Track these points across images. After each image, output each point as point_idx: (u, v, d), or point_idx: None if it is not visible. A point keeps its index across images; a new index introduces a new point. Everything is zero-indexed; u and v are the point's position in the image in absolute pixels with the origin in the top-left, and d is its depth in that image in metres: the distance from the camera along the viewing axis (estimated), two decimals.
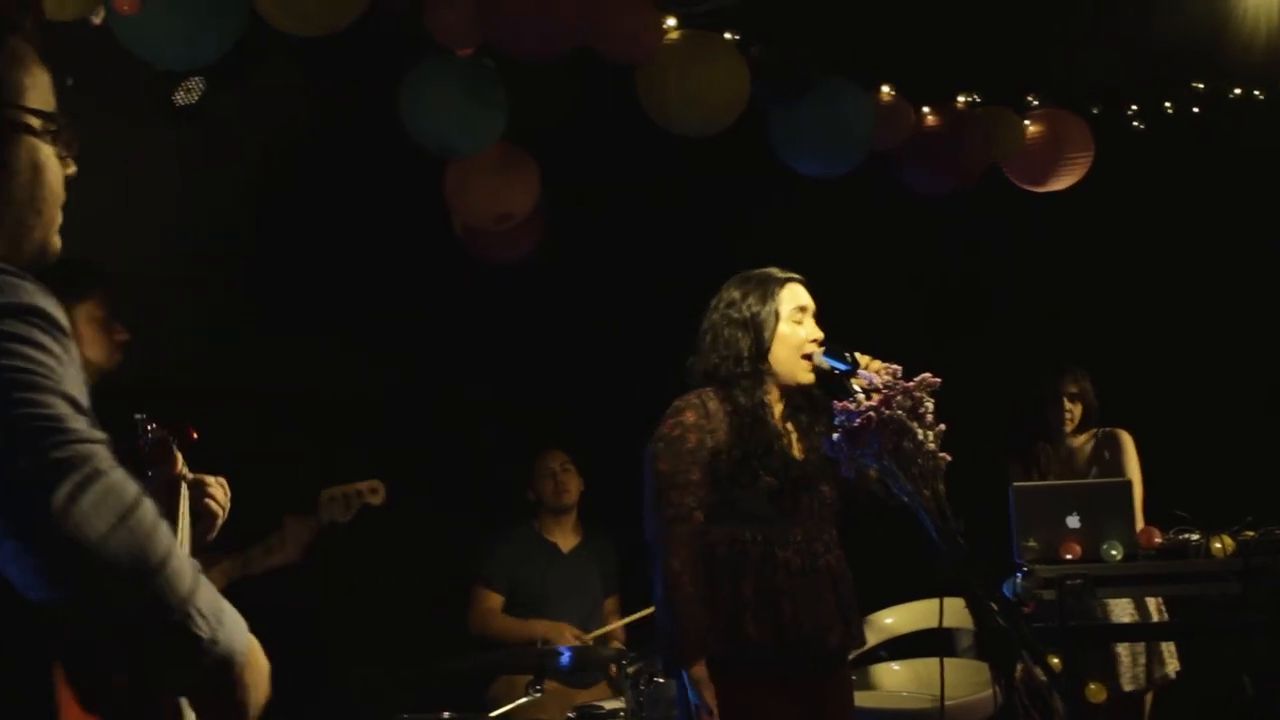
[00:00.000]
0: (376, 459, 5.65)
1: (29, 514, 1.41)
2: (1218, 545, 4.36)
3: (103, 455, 1.47)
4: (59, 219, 1.74)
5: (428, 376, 6.04)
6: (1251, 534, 4.36)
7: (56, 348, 1.49)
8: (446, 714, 4.62)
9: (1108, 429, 5.65)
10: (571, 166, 5.43)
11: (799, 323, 3.44)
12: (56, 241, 1.74)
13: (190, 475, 2.34)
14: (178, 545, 1.53)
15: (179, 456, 2.38)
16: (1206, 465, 5.66)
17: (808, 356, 3.38)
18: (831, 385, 3.27)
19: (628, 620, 5.41)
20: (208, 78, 4.58)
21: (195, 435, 2.59)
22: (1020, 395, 5.81)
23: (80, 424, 1.47)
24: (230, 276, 5.39)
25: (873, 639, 4.79)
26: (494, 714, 4.74)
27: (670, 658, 3.29)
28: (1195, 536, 4.43)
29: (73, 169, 1.76)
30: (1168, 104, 6.02)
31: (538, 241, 5.62)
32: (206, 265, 5.18)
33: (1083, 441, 5.68)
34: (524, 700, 4.79)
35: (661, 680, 4.48)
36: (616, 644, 5.55)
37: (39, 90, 1.71)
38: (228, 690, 1.65)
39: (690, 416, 3.36)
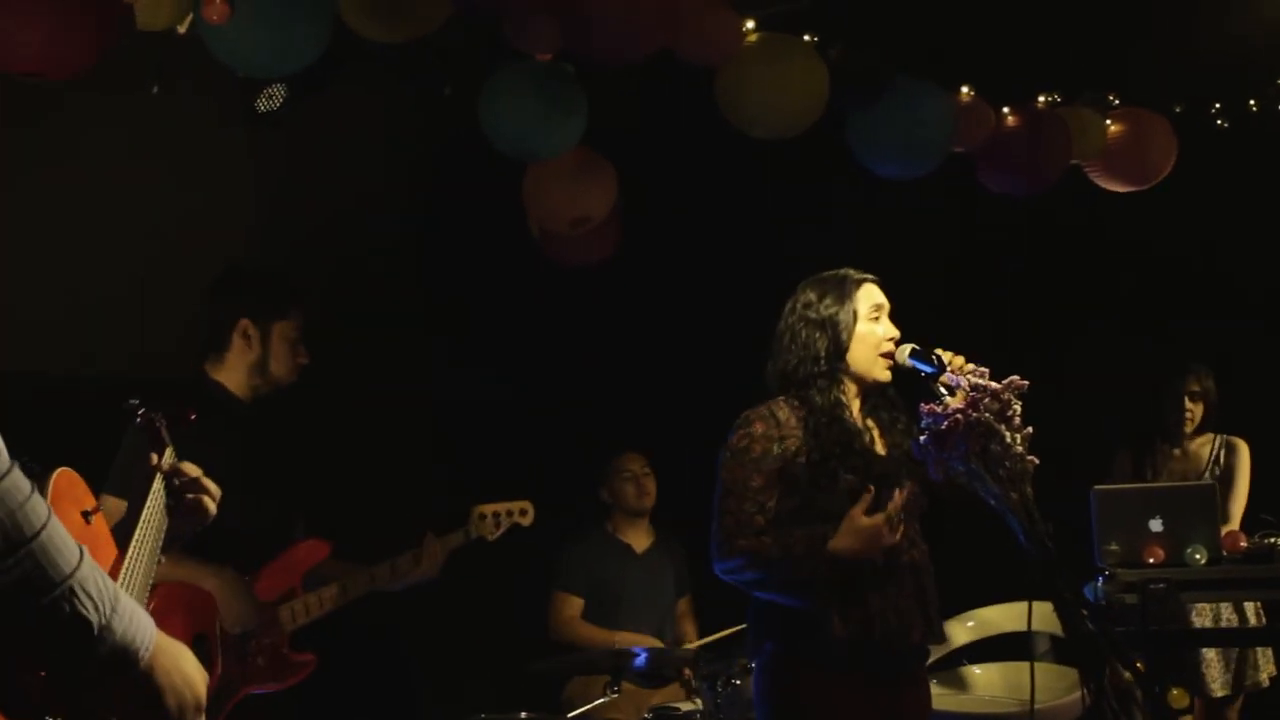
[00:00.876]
0: (451, 465, 5.75)
1: None
2: None
3: None
4: None
5: (499, 379, 6.09)
6: None
7: None
8: (524, 714, 4.64)
9: (1228, 436, 5.61)
10: (650, 170, 5.45)
11: (876, 320, 3.44)
12: None
13: (170, 467, 2.37)
14: (60, 527, 1.56)
15: (166, 442, 2.44)
16: None
17: (888, 355, 3.38)
18: (918, 387, 3.26)
19: (709, 639, 5.40)
20: (289, 83, 4.64)
21: (194, 417, 2.66)
22: (1131, 392, 5.76)
23: None
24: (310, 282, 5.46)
25: (960, 639, 4.76)
26: (571, 715, 4.77)
27: (806, 583, 3.25)
28: None
29: None
30: (1252, 102, 5.93)
31: (614, 245, 5.64)
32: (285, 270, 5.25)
33: (1200, 444, 5.63)
34: (601, 701, 4.82)
35: (739, 682, 4.50)
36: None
37: None
38: (138, 688, 1.67)
39: (759, 428, 3.38)
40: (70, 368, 4.55)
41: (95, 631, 1.58)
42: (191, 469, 2.43)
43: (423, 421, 5.86)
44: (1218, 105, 5.93)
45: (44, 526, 1.53)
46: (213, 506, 2.41)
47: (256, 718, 3.74)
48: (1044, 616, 4.48)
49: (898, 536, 3.24)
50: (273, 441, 3.99)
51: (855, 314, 3.43)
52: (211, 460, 2.59)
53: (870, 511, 3.22)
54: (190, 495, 2.39)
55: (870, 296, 3.48)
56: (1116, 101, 5.71)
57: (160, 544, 2.27)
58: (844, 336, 3.42)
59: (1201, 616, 5.25)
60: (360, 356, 5.51)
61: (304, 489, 4.09)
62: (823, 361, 3.41)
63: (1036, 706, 4.53)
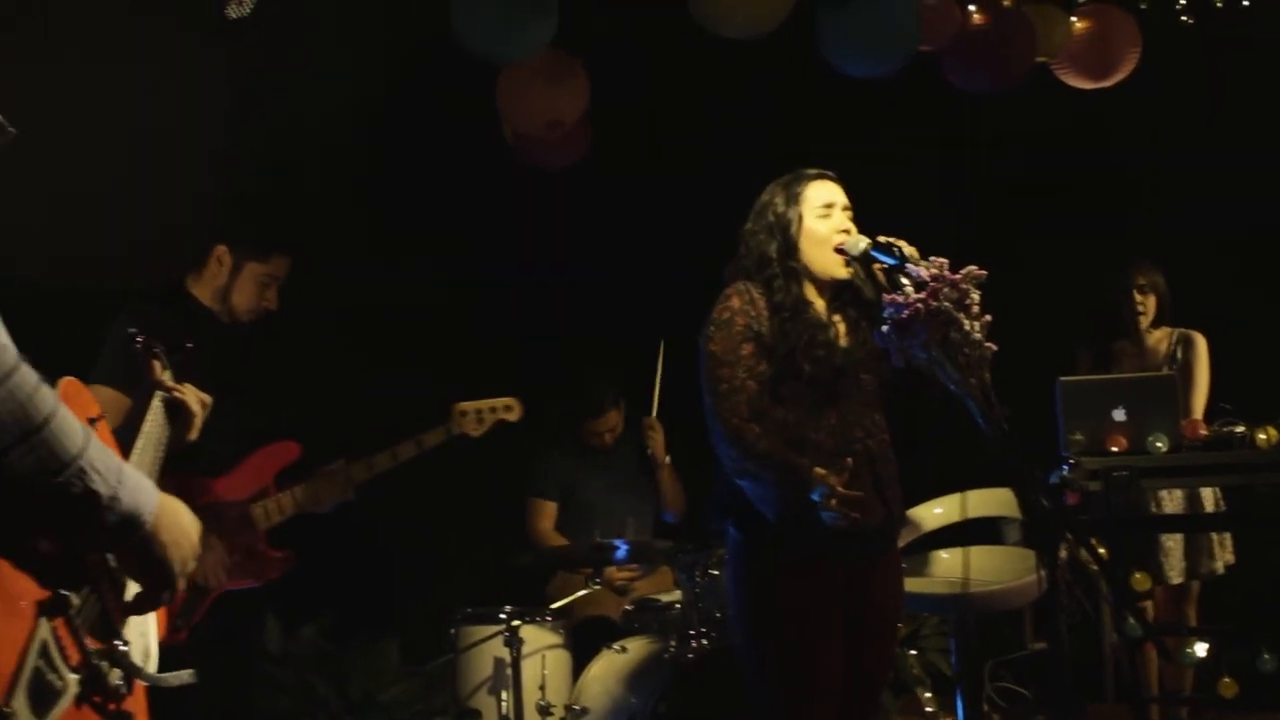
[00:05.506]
0: (432, 373, 5.83)
1: None
2: (1262, 436, 4.42)
3: None
4: None
5: (473, 289, 6.17)
6: None
7: None
8: (508, 608, 4.76)
9: (1185, 330, 5.64)
10: (621, 72, 5.48)
11: (826, 217, 3.48)
12: None
13: (169, 384, 2.50)
14: (67, 411, 1.68)
15: (158, 365, 2.57)
16: (1253, 358, 5.69)
17: (840, 250, 3.43)
18: (876, 277, 3.34)
19: None
20: None
21: (189, 346, 2.80)
22: (1093, 291, 5.84)
23: None
24: (277, 193, 5.50)
25: (930, 525, 4.90)
26: (555, 605, 4.89)
27: (782, 497, 3.30)
28: (1240, 428, 4.50)
29: None
30: None
31: (587, 147, 5.69)
32: (255, 183, 5.28)
33: (1158, 339, 5.67)
34: (584, 592, 4.94)
35: (716, 572, 4.61)
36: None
37: None
38: (143, 548, 1.82)
39: (736, 302, 3.45)
40: (49, 273, 4.60)
41: (104, 503, 1.71)
42: (187, 389, 2.54)
43: (394, 330, 5.94)
44: (1182, 1, 5.96)
45: (52, 413, 1.65)
46: (195, 408, 2.51)
47: (235, 614, 3.87)
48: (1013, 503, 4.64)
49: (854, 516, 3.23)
50: (246, 350, 4.09)
51: (800, 214, 3.49)
52: (185, 367, 2.70)
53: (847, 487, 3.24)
54: (182, 408, 2.50)
55: (821, 193, 3.51)
56: None
57: (161, 455, 2.39)
58: (792, 234, 3.48)
59: (1162, 505, 5.38)
60: (329, 266, 5.58)
61: (278, 395, 4.19)
62: (775, 263, 3.48)
63: (997, 587, 4.69)
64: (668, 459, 5.65)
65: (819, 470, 3.24)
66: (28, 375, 1.64)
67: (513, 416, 4.42)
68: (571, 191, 5.95)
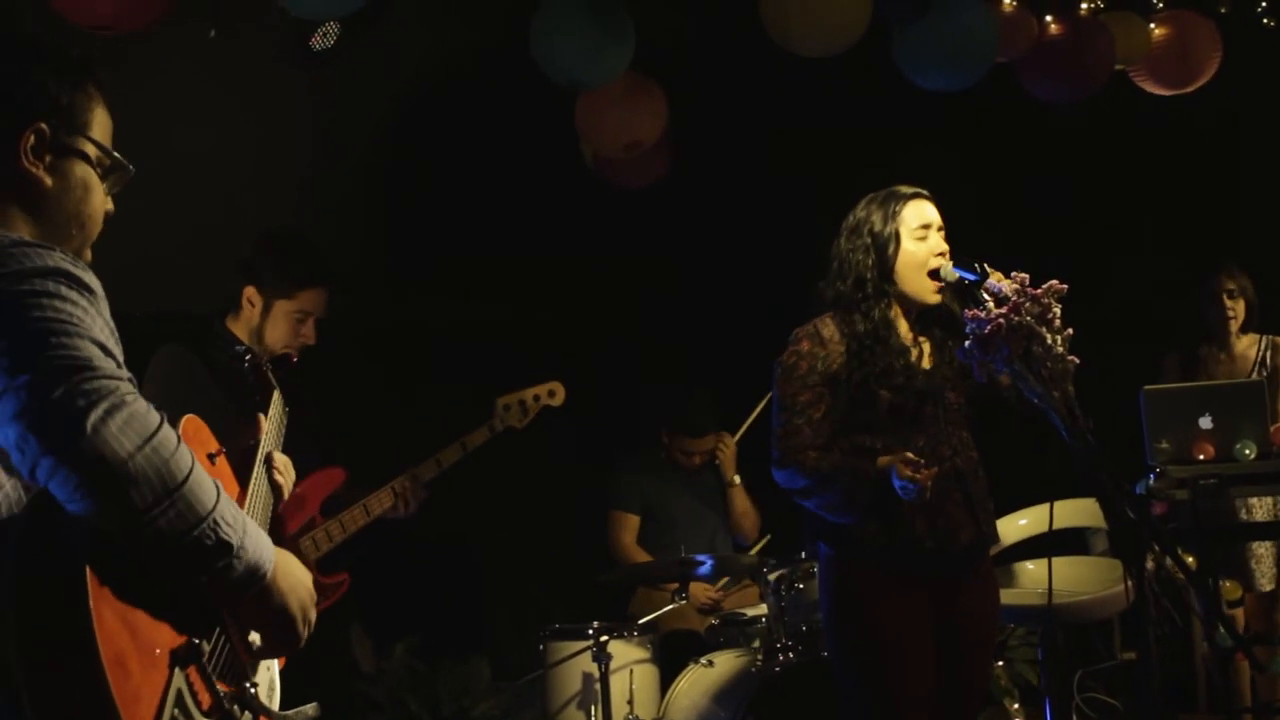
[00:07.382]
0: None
1: (64, 436, 1.65)
2: None
3: (127, 389, 1.71)
4: (93, 237, 1.99)
5: (556, 306, 6.23)
6: None
7: (83, 301, 1.75)
8: (595, 623, 4.81)
9: (1274, 336, 5.56)
10: (698, 90, 5.53)
11: (923, 239, 3.47)
12: (88, 255, 1.99)
13: (275, 455, 2.53)
14: (200, 468, 1.76)
15: (273, 385, 2.62)
16: None
17: (934, 273, 3.44)
18: (963, 295, 3.36)
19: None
20: (343, 22, 4.75)
21: (295, 359, 2.85)
22: (1179, 297, 5.77)
23: (108, 364, 1.71)
24: (364, 219, 5.60)
25: (1013, 537, 4.87)
26: (642, 620, 4.94)
27: (849, 500, 3.36)
28: None
29: (111, 207, 2.01)
30: None
31: (666, 167, 5.74)
32: (341, 209, 5.38)
33: (1247, 345, 5.59)
34: (670, 607, 4.98)
35: (802, 586, 4.64)
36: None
37: (102, 129, 1.99)
38: (263, 597, 1.89)
39: (805, 345, 3.49)
40: (150, 309, 4.71)
41: (234, 553, 1.79)
42: (276, 454, 2.59)
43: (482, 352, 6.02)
44: (1264, 4, 5.89)
45: (190, 471, 1.74)
46: (280, 479, 2.54)
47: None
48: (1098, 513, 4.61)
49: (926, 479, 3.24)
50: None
51: (898, 234, 3.47)
52: (218, 402, 2.71)
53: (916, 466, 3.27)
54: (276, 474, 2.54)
55: (918, 214, 3.50)
56: (1160, 4, 5.70)
57: (269, 517, 2.43)
58: (889, 255, 3.48)
59: (1252, 513, 5.31)
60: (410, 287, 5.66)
61: (321, 424, 4.17)
62: (869, 284, 3.48)
63: (1085, 597, 4.67)
64: (737, 478, 5.68)
65: (883, 459, 3.31)
66: (169, 435, 1.73)
67: (557, 401, 4.40)
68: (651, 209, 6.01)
